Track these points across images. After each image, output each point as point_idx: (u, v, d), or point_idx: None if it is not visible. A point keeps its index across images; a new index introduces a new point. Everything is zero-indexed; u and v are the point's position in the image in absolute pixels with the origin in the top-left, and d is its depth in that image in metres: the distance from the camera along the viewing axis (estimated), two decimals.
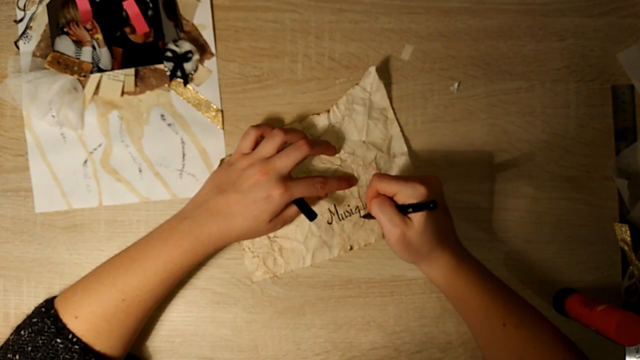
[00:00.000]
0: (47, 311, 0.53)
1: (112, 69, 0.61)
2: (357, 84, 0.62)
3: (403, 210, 0.52)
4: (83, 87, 0.61)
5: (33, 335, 0.51)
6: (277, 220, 0.56)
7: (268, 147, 0.55)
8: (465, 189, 0.62)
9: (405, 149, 0.62)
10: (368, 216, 0.58)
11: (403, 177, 0.54)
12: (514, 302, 0.54)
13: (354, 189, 0.61)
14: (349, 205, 0.61)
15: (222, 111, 0.62)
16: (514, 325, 0.52)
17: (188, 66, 0.60)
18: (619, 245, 0.62)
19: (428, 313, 0.62)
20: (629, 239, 0.61)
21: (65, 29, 0.61)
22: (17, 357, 0.51)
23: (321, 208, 0.61)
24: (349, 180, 0.61)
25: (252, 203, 0.53)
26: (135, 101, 0.62)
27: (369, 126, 0.62)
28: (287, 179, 0.55)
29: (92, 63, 0.61)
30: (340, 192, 0.61)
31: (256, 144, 0.57)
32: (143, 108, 0.62)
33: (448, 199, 0.56)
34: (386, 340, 0.62)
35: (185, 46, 0.60)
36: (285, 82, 0.62)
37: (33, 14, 0.61)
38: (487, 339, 0.53)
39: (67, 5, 0.61)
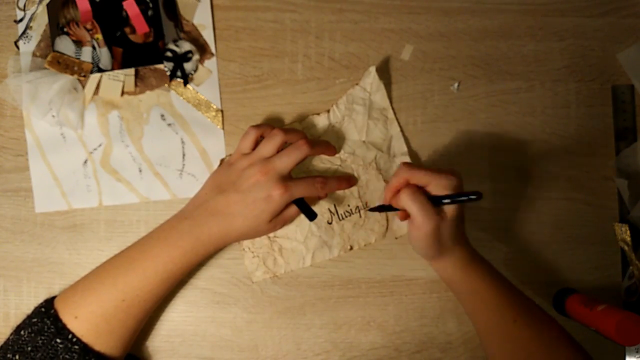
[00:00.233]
0: (47, 311, 0.53)
1: (112, 69, 0.61)
2: (357, 84, 0.62)
3: (436, 201, 0.50)
4: (83, 87, 0.61)
5: (33, 335, 0.51)
6: (277, 220, 0.56)
7: (268, 147, 0.55)
8: (465, 189, 0.62)
9: (405, 149, 0.62)
10: (379, 208, 0.57)
11: (431, 168, 0.52)
12: (523, 301, 0.54)
13: (354, 189, 0.61)
14: (349, 205, 0.61)
15: (222, 111, 0.62)
16: (524, 322, 0.52)
17: (188, 66, 0.60)
18: (619, 245, 0.62)
19: (428, 313, 0.62)
20: (629, 239, 0.61)
21: (65, 29, 0.61)
22: (17, 357, 0.51)
23: (321, 208, 0.61)
24: (349, 180, 0.61)
25: (252, 203, 0.53)
26: (135, 101, 0.62)
27: (369, 126, 0.62)
28: (287, 179, 0.55)
29: (92, 63, 0.61)
30: (340, 192, 0.61)
31: (256, 144, 0.57)
32: (143, 108, 0.62)
33: None
34: (386, 340, 0.62)
35: (185, 46, 0.60)
36: (285, 82, 0.62)
37: (33, 14, 0.61)
38: (495, 336, 0.53)
39: (67, 5, 0.61)
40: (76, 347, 0.51)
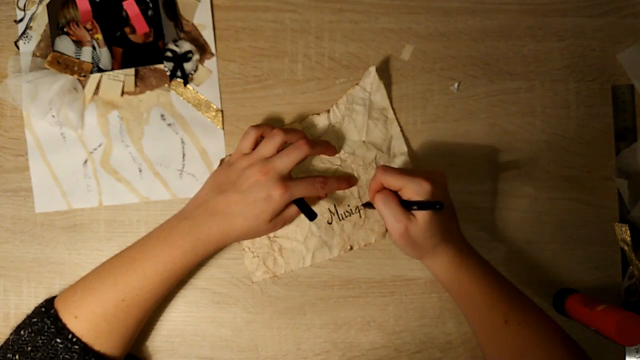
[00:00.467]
0: (47, 311, 0.53)
1: (112, 69, 0.61)
2: (357, 84, 0.62)
3: (407, 206, 0.52)
4: (83, 87, 0.61)
5: (33, 335, 0.51)
6: (277, 220, 0.56)
7: (268, 147, 0.55)
8: (465, 189, 0.62)
9: (405, 149, 0.62)
10: (368, 205, 0.58)
11: (408, 172, 0.53)
12: (516, 300, 0.54)
13: (354, 189, 0.61)
14: (349, 205, 0.61)
15: (222, 111, 0.62)
16: (516, 322, 0.52)
17: (188, 66, 0.60)
18: (619, 245, 0.62)
19: (428, 313, 0.62)
20: (629, 239, 0.61)
21: (65, 29, 0.61)
22: (17, 357, 0.51)
23: (321, 208, 0.61)
24: (349, 180, 0.61)
25: (252, 203, 0.53)
26: (135, 101, 0.62)
27: (369, 126, 0.62)
28: (287, 179, 0.55)
29: (92, 63, 0.61)
30: (340, 192, 0.61)
31: (256, 144, 0.57)
32: (143, 108, 0.62)
33: None
34: (386, 340, 0.62)
35: (185, 46, 0.60)
36: (285, 82, 0.62)
37: (33, 14, 0.61)
38: (489, 336, 0.53)
39: (67, 5, 0.61)
40: (76, 347, 0.51)
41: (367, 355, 0.61)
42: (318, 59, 0.63)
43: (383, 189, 0.54)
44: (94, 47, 0.61)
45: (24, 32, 0.61)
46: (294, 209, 0.57)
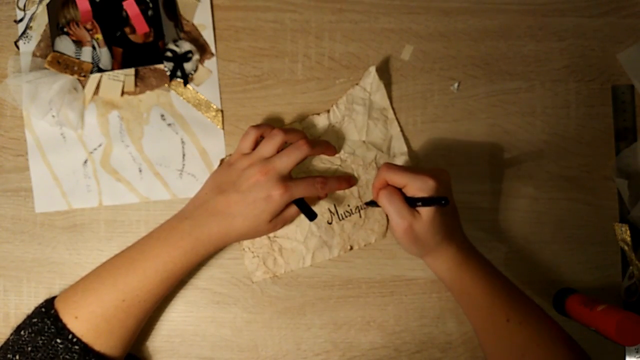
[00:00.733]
0: (47, 311, 0.53)
1: (112, 69, 0.61)
2: (357, 84, 0.62)
3: (411, 202, 0.52)
4: (83, 87, 0.61)
5: (33, 335, 0.51)
6: (277, 220, 0.56)
7: (268, 147, 0.55)
8: (465, 189, 0.62)
9: (405, 149, 0.62)
10: (371, 204, 0.58)
11: (413, 169, 0.53)
12: (518, 299, 0.54)
13: (354, 189, 0.61)
14: (349, 205, 0.61)
15: (222, 111, 0.62)
16: (517, 321, 0.52)
17: (188, 66, 0.60)
18: (619, 245, 0.62)
19: (428, 313, 0.62)
20: (629, 239, 0.61)
21: (65, 29, 0.61)
22: (17, 357, 0.51)
23: (321, 208, 0.61)
24: (349, 180, 0.61)
25: (252, 203, 0.53)
26: (135, 101, 0.62)
27: (369, 126, 0.62)
28: (287, 179, 0.55)
29: (92, 63, 0.61)
30: (340, 192, 0.61)
31: (256, 144, 0.57)
32: (143, 108, 0.62)
33: None
34: (386, 340, 0.62)
35: (185, 46, 0.60)
36: (285, 82, 0.62)
37: (33, 14, 0.61)
38: (490, 335, 0.53)
39: (67, 5, 0.61)
40: (76, 347, 0.51)
41: (367, 355, 0.61)
42: (318, 59, 0.63)
43: (387, 186, 0.54)
44: (94, 47, 0.61)
45: (24, 32, 0.61)
46: (294, 209, 0.57)
